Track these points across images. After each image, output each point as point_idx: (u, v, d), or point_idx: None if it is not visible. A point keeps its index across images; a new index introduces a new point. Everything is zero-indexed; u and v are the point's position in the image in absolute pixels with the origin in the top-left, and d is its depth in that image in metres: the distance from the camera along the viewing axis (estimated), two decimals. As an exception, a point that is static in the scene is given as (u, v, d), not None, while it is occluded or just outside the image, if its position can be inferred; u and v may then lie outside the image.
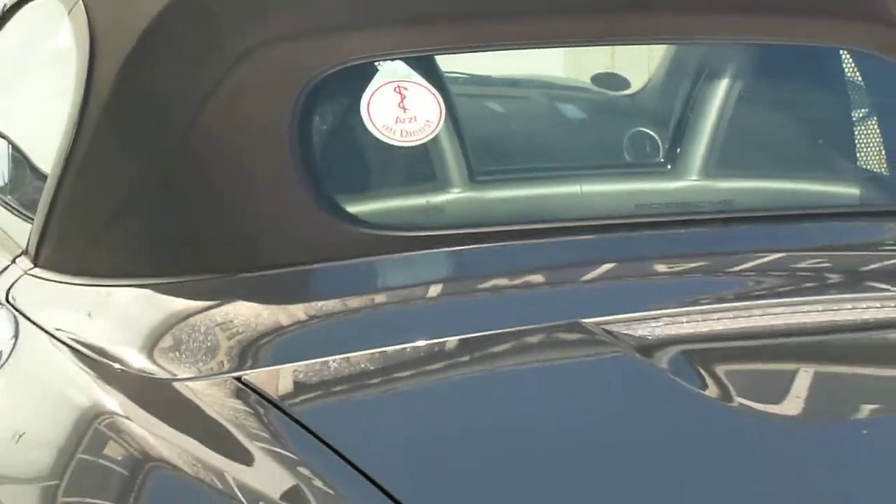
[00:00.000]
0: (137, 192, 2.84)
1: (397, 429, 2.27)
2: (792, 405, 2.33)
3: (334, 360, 2.41)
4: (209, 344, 2.49)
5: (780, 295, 2.68)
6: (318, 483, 2.05)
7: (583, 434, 2.24)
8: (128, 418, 2.25)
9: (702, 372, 2.30)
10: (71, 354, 2.49)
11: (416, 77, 2.89)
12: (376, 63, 2.90)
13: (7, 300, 2.75)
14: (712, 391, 2.25)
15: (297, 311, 2.67)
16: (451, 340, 2.48)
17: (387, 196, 2.99)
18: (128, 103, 2.89)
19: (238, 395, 2.27)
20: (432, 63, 3.01)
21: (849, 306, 2.63)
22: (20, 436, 2.37)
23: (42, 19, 3.46)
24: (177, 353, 2.46)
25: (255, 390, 2.28)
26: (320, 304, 2.70)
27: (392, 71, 2.89)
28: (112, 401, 2.31)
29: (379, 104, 2.85)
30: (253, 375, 2.33)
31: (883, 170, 3.28)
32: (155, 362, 2.43)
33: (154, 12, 2.93)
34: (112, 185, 2.86)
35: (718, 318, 2.55)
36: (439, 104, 2.90)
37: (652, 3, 3.17)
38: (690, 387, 2.25)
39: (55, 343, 2.55)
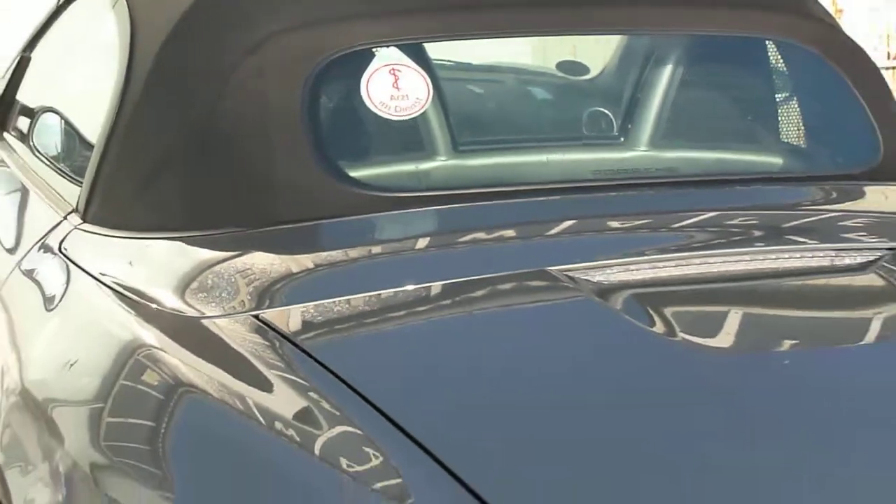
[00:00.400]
0: (170, 157, 2.86)
1: (390, 359, 2.28)
2: (725, 340, 2.35)
3: (336, 302, 2.41)
4: (231, 287, 2.49)
5: (714, 247, 2.68)
6: (324, 405, 2.04)
7: (548, 364, 2.25)
8: (162, 350, 2.25)
9: (650, 312, 2.30)
10: (114, 296, 2.49)
11: (408, 61, 2.91)
12: (374, 49, 2.91)
13: (60, 251, 2.74)
14: (659, 328, 2.26)
15: (306, 260, 2.68)
16: (437, 285, 2.49)
17: (382, 162, 3.01)
18: (163, 81, 2.90)
19: (256, 330, 2.27)
20: (422, 50, 3.02)
21: (773, 257, 2.63)
22: (71, 364, 2.36)
23: (89, 12, 3.44)
24: (204, 295, 2.46)
25: (270, 326, 2.28)
26: (325, 254, 2.72)
27: (387, 56, 2.90)
28: (149, 335, 2.31)
29: (376, 84, 2.87)
30: (268, 314, 2.32)
31: (801, 143, 3.28)
32: (185, 302, 2.43)
33: (186, 6, 2.94)
34: (149, 151, 2.87)
35: (663, 267, 2.54)
36: (428, 85, 2.92)
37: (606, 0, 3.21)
38: (640, 324, 2.26)
39: (100, 287, 2.55)
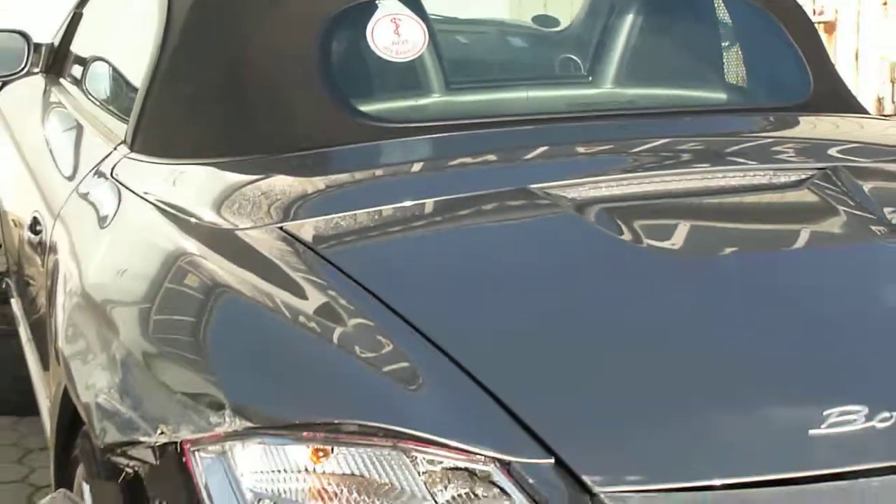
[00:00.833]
0: (204, 96, 2.84)
1: (395, 262, 2.30)
2: (681, 244, 2.37)
3: (348, 215, 2.42)
4: (259, 204, 2.48)
5: (669, 167, 2.69)
6: (341, 301, 2.04)
7: (529, 263, 2.26)
8: (202, 256, 2.24)
9: (618, 221, 2.31)
10: (159, 213, 2.48)
11: (407, 11, 2.90)
12: (377, 1, 2.89)
13: (112, 176, 2.74)
14: (626, 235, 2.27)
15: (321, 181, 2.68)
16: (433, 201, 2.48)
17: (385, 98, 3.00)
18: (197, 32, 2.89)
19: (281, 239, 2.27)
20: (418, 3, 2.98)
21: (720, 176, 2.63)
22: (123, 271, 2.36)
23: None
24: (236, 211, 2.45)
25: (292, 236, 2.28)
26: (337, 176, 2.71)
27: (389, 7, 2.88)
28: (190, 245, 2.30)
29: (380, 31, 2.86)
30: (291, 225, 2.33)
31: (743, 81, 3.27)
32: (220, 217, 2.42)
33: None
34: (186, 92, 2.85)
35: (627, 184, 2.57)
36: (424, 32, 2.91)
37: None
38: (609, 232, 2.28)
39: (147, 205, 2.54)
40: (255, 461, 1.77)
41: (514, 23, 3.95)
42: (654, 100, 3.22)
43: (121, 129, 2.92)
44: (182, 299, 2.19)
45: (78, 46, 3.69)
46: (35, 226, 2.96)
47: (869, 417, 1.84)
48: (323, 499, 1.74)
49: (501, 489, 1.74)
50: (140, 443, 1.84)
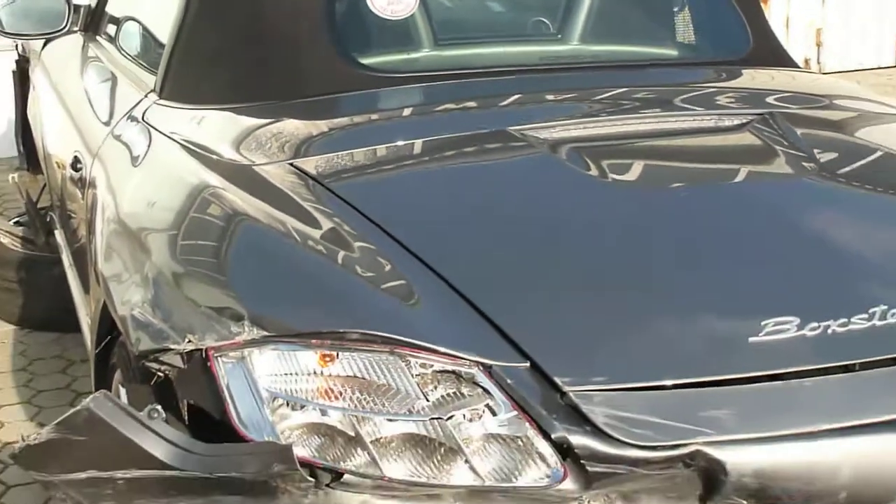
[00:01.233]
0: (222, 50, 2.81)
1: (390, 194, 2.29)
2: (638, 177, 2.37)
3: (349, 153, 2.41)
4: (272, 143, 2.47)
5: (628, 113, 2.68)
6: (344, 227, 2.04)
7: (512, 194, 2.27)
8: (222, 188, 2.24)
9: (585, 158, 2.31)
10: (184, 151, 2.47)
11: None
12: (376, -34, 2.88)
13: (143, 119, 2.72)
14: (593, 171, 2.27)
15: (325, 124, 2.65)
16: (423, 141, 2.49)
17: (382, 51, 2.96)
18: None
19: (291, 173, 2.27)
20: None
21: (671, 119, 2.64)
22: (154, 202, 2.34)
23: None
24: (252, 149, 2.44)
25: (301, 170, 2.28)
26: (340, 119, 2.69)
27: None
28: (212, 178, 2.29)
29: (378, -8, 2.86)
30: (300, 161, 2.33)
31: (692, 38, 3.27)
32: (239, 154, 2.42)
33: None
34: (206, 46, 2.81)
35: (592, 127, 2.56)
36: (419, -6, 2.92)
37: None
38: (578, 168, 2.28)
39: (174, 144, 2.53)
40: (270, 365, 1.76)
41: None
42: (614, 55, 3.19)
43: (150, 79, 2.89)
44: (205, 225, 2.18)
45: (112, 7, 3.64)
46: (76, 164, 2.94)
47: (800, 327, 1.84)
48: (329, 397, 1.75)
49: (484, 389, 1.74)
50: (170, 350, 1.84)
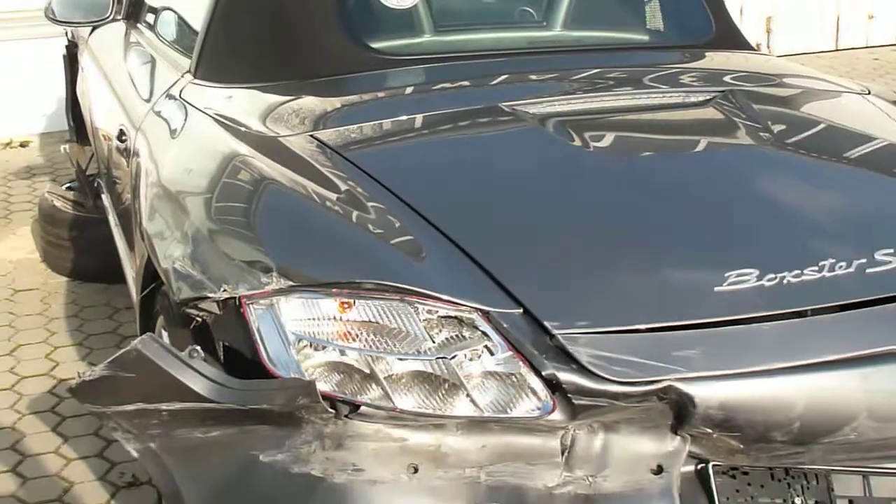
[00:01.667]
0: (247, 36, 2.78)
1: (399, 161, 2.28)
2: (617, 146, 2.35)
3: (362, 125, 2.41)
4: (293, 117, 2.47)
5: (606, 90, 2.67)
6: (358, 189, 2.03)
7: (505, 162, 2.25)
8: (251, 157, 2.22)
9: (569, 130, 2.30)
10: (217, 124, 2.45)
11: (407, -30, 2.87)
12: (383, -38, 2.87)
13: (180, 97, 2.70)
14: (576, 141, 2.26)
15: (340, 100, 2.64)
16: (425, 115, 2.47)
17: (389, 36, 2.92)
18: None
19: (311, 143, 2.26)
20: None
21: (644, 95, 2.63)
22: (190, 170, 2.32)
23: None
24: (276, 122, 2.43)
25: (320, 141, 2.27)
26: (353, 96, 2.67)
27: (393, -33, 2.86)
28: (242, 148, 2.28)
29: (386, -17, 2.84)
30: (319, 133, 2.32)
31: (660, 26, 3.23)
32: (266, 126, 2.40)
33: None
34: (233, 34, 2.79)
35: (575, 102, 2.55)
36: (420, -14, 2.90)
37: None
38: (562, 138, 2.27)
39: (208, 118, 2.51)
40: (295, 311, 1.76)
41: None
42: (593, 39, 3.16)
43: (185, 61, 2.87)
44: (237, 189, 2.17)
45: (150, -1, 3.61)
46: (121, 136, 2.92)
47: (759, 277, 1.84)
48: (347, 339, 1.74)
49: (483, 332, 1.74)
50: (207, 298, 1.83)
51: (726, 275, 1.83)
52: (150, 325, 2.32)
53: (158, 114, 2.72)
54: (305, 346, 1.73)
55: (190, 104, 2.62)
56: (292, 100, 2.55)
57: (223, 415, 1.73)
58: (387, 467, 1.70)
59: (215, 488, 1.76)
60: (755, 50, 3.28)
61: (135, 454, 1.80)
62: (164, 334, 2.13)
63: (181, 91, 2.72)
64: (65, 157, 4.87)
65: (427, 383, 1.72)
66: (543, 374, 1.69)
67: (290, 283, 1.77)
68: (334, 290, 1.76)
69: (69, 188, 4.29)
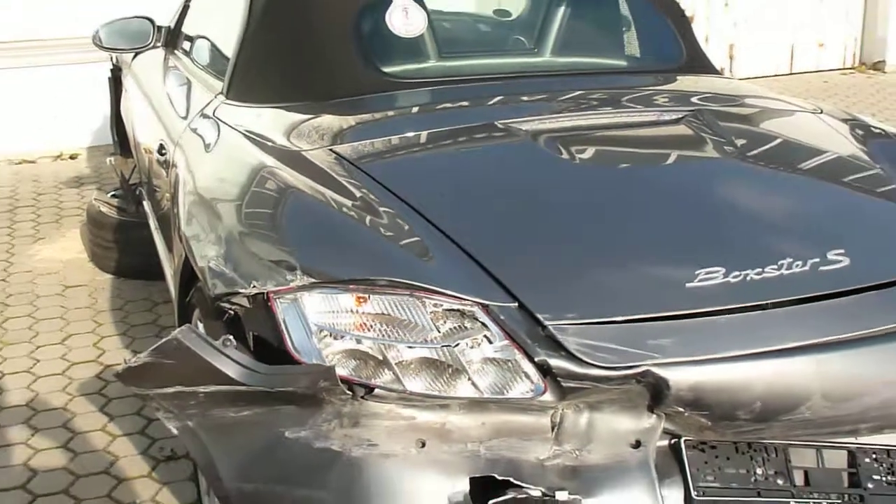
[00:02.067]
0: (273, 62, 2.77)
1: (408, 172, 2.26)
2: (600, 157, 2.35)
3: (374, 140, 2.39)
4: (314, 133, 2.44)
5: (589, 109, 2.65)
6: (371, 196, 2.03)
7: (502, 171, 2.26)
8: (277, 168, 2.21)
9: (557, 144, 2.29)
10: (247, 140, 2.44)
11: (413, 4, 2.84)
12: (392, -4, 2.86)
13: (213, 115, 2.69)
14: (564, 154, 2.25)
15: (355, 118, 2.61)
16: (432, 131, 2.45)
17: (399, 62, 2.89)
18: (268, 18, 2.81)
19: (331, 156, 2.25)
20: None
21: (624, 114, 2.62)
22: (223, 180, 2.32)
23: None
24: (299, 137, 2.41)
25: (339, 154, 2.26)
26: (367, 114, 2.63)
27: (401, 0, 2.84)
28: (269, 160, 2.27)
29: (395, 16, 2.81)
30: (337, 147, 2.30)
31: (637, 52, 3.22)
32: (289, 141, 2.39)
33: None
34: (262, 58, 2.77)
35: (562, 120, 2.52)
36: (425, 18, 2.86)
37: None
38: (553, 153, 2.26)
39: (238, 134, 2.50)
40: (317, 305, 1.76)
41: (482, 14, 3.84)
42: (577, 65, 3.14)
43: (218, 84, 2.86)
44: (264, 196, 2.16)
45: (187, 28, 3.60)
46: (161, 150, 2.91)
47: (725, 275, 1.84)
48: (363, 330, 1.74)
49: (482, 323, 1.74)
50: (239, 293, 1.83)
51: (696, 272, 1.83)
52: (186, 317, 2.31)
53: (194, 130, 2.71)
54: (326, 336, 1.73)
55: (222, 122, 2.61)
56: (313, 118, 2.54)
57: (253, 396, 1.73)
58: (398, 442, 1.70)
59: (246, 461, 1.76)
60: (720, 73, 3.27)
61: (175, 431, 1.80)
62: (200, 325, 2.13)
63: (214, 110, 2.72)
64: (110, 168, 4.86)
65: (433, 368, 1.72)
66: (536, 360, 1.70)
67: (313, 280, 1.77)
68: (351, 286, 1.76)
69: (114, 195, 4.29)
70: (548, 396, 1.70)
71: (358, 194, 2.04)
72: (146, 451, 2.71)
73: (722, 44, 7.63)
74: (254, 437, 1.75)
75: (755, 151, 2.38)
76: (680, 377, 1.70)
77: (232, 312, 1.88)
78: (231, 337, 1.79)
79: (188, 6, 3.72)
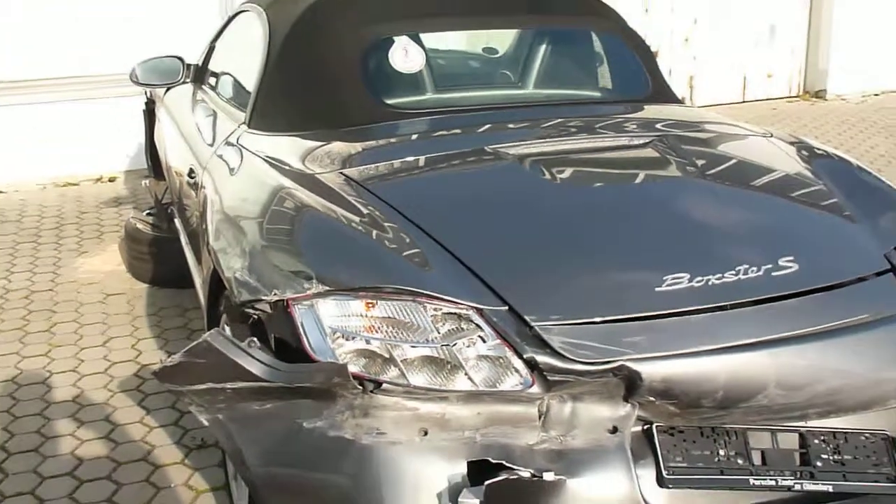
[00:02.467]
0: (289, 95, 2.76)
1: (408, 190, 2.25)
2: (577, 178, 2.33)
3: (379, 164, 2.37)
4: (327, 158, 2.43)
5: (568, 135, 2.63)
6: (377, 213, 2.02)
7: (492, 191, 2.24)
8: (294, 189, 2.21)
9: (540, 166, 2.28)
10: (267, 164, 2.43)
11: (412, 43, 2.85)
12: (394, 37, 2.85)
13: (237, 143, 2.68)
14: (546, 175, 2.25)
15: (362, 144, 2.59)
16: (431, 155, 2.44)
17: (400, 95, 2.90)
18: (285, 57, 2.82)
19: (341, 178, 2.24)
20: (419, 38, 2.93)
21: (598, 139, 2.60)
22: (246, 199, 2.31)
23: (246, 21, 3.34)
24: (313, 161, 2.40)
25: (348, 176, 2.25)
26: (372, 141, 2.62)
27: (402, 40, 2.84)
28: (286, 182, 2.26)
29: (397, 54, 2.82)
30: (347, 171, 2.29)
31: (609, 84, 3.21)
32: (304, 165, 2.37)
33: (296, 17, 2.86)
34: (279, 92, 2.76)
35: (544, 145, 2.50)
36: (423, 56, 2.87)
37: (503, 9, 3.16)
38: (537, 174, 2.26)
39: (259, 159, 2.49)
40: (331, 310, 1.76)
41: (472, 52, 3.84)
42: (557, 96, 3.14)
43: (240, 115, 2.85)
44: (283, 214, 2.15)
45: (213, 65, 3.60)
46: (191, 173, 2.91)
47: (690, 280, 1.84)
48: (371, 331, 1.74)
49: (477, 325, 1.74)
50: (262, 300, 1.82)
51: (664, 278, 1.83)
52: (215, 321, 2.31)
53: (220, 156, 2.70)
54: (339, 337, 1.73)
55: (245, 148, 2.60)
56: (325, 144, 2.53)
57: (274, 391, 1.73)
58: (403, 431, 1.70)
59: (268, 448, 1.76)
60: (682, 102, 3.28)
61: (205, 423, 1.80)
62: (227, 329, 2.13)
63: (238, 138, 2.71)
64: (144, 190, 4.85)
65: (434, 365, 1.72)
66: (524, 357, 1.70)
67: (327, 288, 1.76)
68: (361, 293, 1.76)
69: (149, 214, 4.28)
70: (535, 389, 1.70)
71: (365, 212, 2.03)
72: (180, 441, 2.69)
73: (683, 76, 7.65)
74: (275, 427, 1.75)
75: (714, 171, 2.38)
76: (651, 370, 1.70)
77: (255, 317, 1.87)
78: (255, 339, 1.79)
79: (214, 47, 3.72)
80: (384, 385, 1.70)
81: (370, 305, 1.75)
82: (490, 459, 1.67)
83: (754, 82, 7.90)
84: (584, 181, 2.33)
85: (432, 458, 1.69)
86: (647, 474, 1.73)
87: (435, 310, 1.74)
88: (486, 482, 1.63)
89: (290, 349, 1.78)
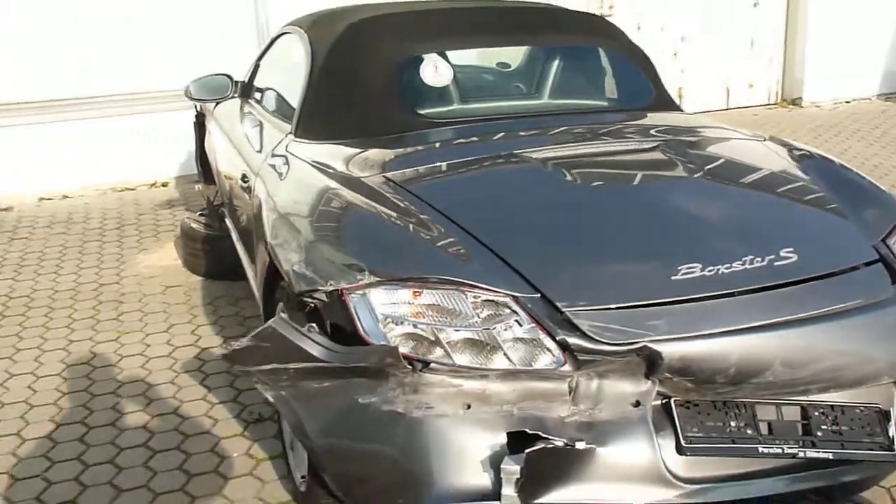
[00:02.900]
0: (331, 107, 2.75)
1: (444, 191, 2.23)
2: (595, 178, 2.30)
3: (417, 169, 2.36)
4: (368, 163, 2.42)
5: (582, 141, 2.61)
6: (414, 210, 2.02)
7: (521, 188, 2.23)
8: (340, 190, 2.21)
9: (562, 168, 2.28)
10: (314, 169, 2.43)
11: (441, 60, 2.84)
12: (424, 55, 2.84)
13: (286, 151, 2.67)
14: (569, 176, 2.24)
15: (401, 150, 2.58)
16: (461, 160, 2.43)
17: (431, 106, 2.89)
18: (327, 73, 2.81)
19: (384, 181, 2.24)
20: (446, 55, 2.90)
21: (608, 144, 2.58)
22: (297, 201, 2.31)
23: (289, 41, 3.33)
24: (355, 166, 2.40)
25: (389, 179, 2.24)
26: (408, 148, 2.61)
27: (432, 57, 2.84)
28: (333, 184, 2.26)
29: (427, 70, 2.82)
30: (388, 174, 2.29)
31: (615, 94, 3.19)
32: (348, 169, 2.38)
33: (334, 39, 2.85)
34: (323, 104, 2.76)
35: (565, 149, 2.48)
36: (451, 71, 2.86)
37: (519, 29, 3.13)
38: (560, 174, 2.25)
39: (307, 165, 2.48)
40: (381, 298, 1.76)
41: (489, 66, 3.81)
42: (569, 105, 3.11)
43: (286, 126, 2.84)
44: (332, 213, 2.16)
45: (258, 82, 3.60)
46: (244, 178, 2.91)
47: (702, 269, 1.84)
48: (418, 317, 1.75)
49: (513, 310, 1.74)
50: (318, 290, 1.83)
51: (679, 268, 1.83)
52: (271, 310, 2.32)
53: (271, 165, 2.70)
54: (389, 322, 1.74)
55: (293, 155, 2.60)
56: (364, 151, 2.52)
57: (332, 371, 1.74)
58: (449, 405, 1.71)
59: (327, 422, 1.77)
60: (682, 110, 3.27)
61: (271, 399, 1.81)
62: (284, 316, 2.13)
63: (286, 146, 2.70)
64: (196, 193, 4.85)
65: (475, 346, 1.72)
66: (556, 339, 1.70)
67: (378, 278, 1.77)
68: (409, 283, 1.77)
69: (201, 214, 4.28)
70: (566, 367, 1.70)
71: (408, 210, 2.03)
72: (239, 415, 2.70)
73: (672, 87, 7.56)
74: (334, 402, 1.76)
75: (718, 172, 2.37)
76: (670, 350, 1.70)
77: (312, 305, 1.88)
78: (314, 325, 1.79)
79: (259, 65, 3.72)
80: (431, 364, 1.71)
81: (417, 294, 1.76)
82: (527, 430, 1.68)
83: (737, 91, 7.85)
84: (602, 181, 2.31)
85: (475, 429, 1.70)
86: (667, 443, 1.73)
87: (475, 297, 1.75)
88: (527, 450, 1.63)
89: (344, 334, 1.79)
